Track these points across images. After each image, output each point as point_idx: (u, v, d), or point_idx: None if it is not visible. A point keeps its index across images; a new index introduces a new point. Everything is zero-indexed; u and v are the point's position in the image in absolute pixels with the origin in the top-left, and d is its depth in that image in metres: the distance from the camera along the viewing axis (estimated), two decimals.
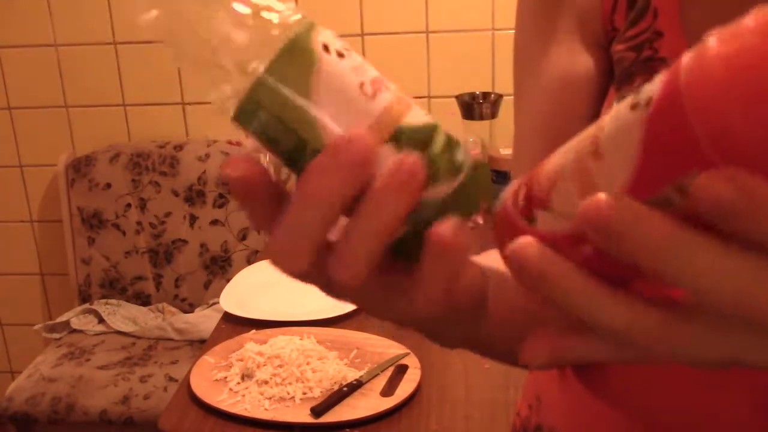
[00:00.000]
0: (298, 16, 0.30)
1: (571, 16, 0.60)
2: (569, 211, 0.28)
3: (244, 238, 2.14)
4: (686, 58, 0.25)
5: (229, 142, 2.17)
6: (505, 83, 2.07)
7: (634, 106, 0.26)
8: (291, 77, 0.29)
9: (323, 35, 0.30)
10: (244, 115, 0.30)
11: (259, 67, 0.30)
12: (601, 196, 0.25)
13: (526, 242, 0.28)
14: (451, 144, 0.32)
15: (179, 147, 2.16)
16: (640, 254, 0.25)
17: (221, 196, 2.13)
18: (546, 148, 0.58)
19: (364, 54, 2.14)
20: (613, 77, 0.59)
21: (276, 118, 0.30)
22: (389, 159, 0.30)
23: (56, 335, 2.09)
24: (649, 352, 0.28)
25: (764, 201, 0.23)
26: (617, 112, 0.27)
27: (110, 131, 2.23)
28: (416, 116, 0.31)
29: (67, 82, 2.21)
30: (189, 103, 2.21)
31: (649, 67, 0.54)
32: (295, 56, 0.30)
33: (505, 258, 0.29)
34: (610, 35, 0.59)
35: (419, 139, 0.31)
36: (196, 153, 2.14)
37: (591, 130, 0.28)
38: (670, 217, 0.25)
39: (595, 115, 0.59)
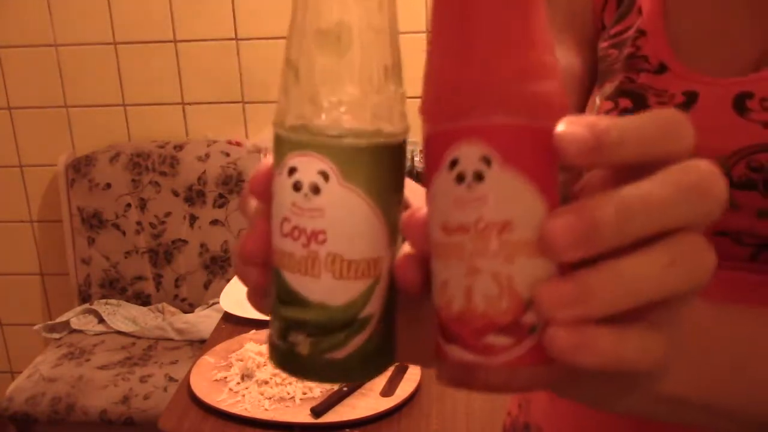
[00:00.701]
0: (360, 135, 0.31)
1: (563, 14, 0.60)
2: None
3: None
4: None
5: (229, 142, 2.18)
6: None
7: (459, 180, 0.29)
8: (275, 153, 0.32)
9: (300, 161, 0.31)
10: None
11: (277, 121, 0.32)
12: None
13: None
14: (297, 329, 0.33)
15: (179, 147, 2.16)
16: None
17: (221, 196, 2.13)
18: None
19: None
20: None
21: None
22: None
23: (56, 335, 2.09)
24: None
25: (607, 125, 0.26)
26: (448, 199, 0.29)
27: (110, 131, 2.23)
28: (298, 285, 0.32)
29: (67, 82, 2.21)
30: (189, 103, 2.21)
31: (630, 65, 0.55)
32: (277, 144, 0.32)
33: None
34: (600, 33, 0.60)
35: (276, 292, 0.33)
36: (196, 153, 2.14)
37: (472, 240, 0.28)
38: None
39: (579, 112, 0.60)
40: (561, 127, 0.27)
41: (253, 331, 1.38)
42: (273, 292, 0.33)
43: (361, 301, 0.32)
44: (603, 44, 0.58)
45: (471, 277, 0.28)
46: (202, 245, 2.15)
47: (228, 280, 1.65)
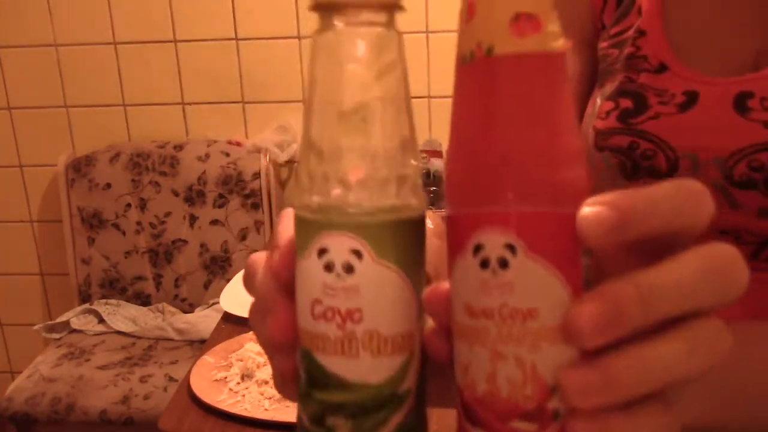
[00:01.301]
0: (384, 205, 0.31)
1: (561, 14, 0.60)
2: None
3: (244, 238, 2.14)
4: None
5: (229, 142, 2.18)
6: None
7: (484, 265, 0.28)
8: (298, 235, 0.32)
9: (332, 240, 0.31)
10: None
11: (300, 204, 0.32)
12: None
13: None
14: (336, 413, 0.32)
15: (179, 147, 2.16)
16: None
17: (221, 196, 2.13)
18: None
19: None
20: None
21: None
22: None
23: (56, 335, 2.09)
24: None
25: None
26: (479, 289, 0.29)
27: (110, 131, 2.23)
28: (334, 366, 0.31)
29: (67, 82, 2.21)
30: (189, 103, 2.21)
31: (630, 65, 0.55)
32: (301, 228, 0.32)
33: None
34: (599, 33, 0.60)
35: (307, 377, 0.33)
36: (196, 153, 2.14)
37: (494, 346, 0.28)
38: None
39: (580, 113, 0.60)
40: (584, 210, 0.26)
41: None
42: (302, 376, 0.33)
43: (398, 376, 0.32)
44: (603, 44, 0.58)
45: (495, 362, 0.28)
46: (202, 245, 2.15)
47: (228, 280, 1.65)
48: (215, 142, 2.17)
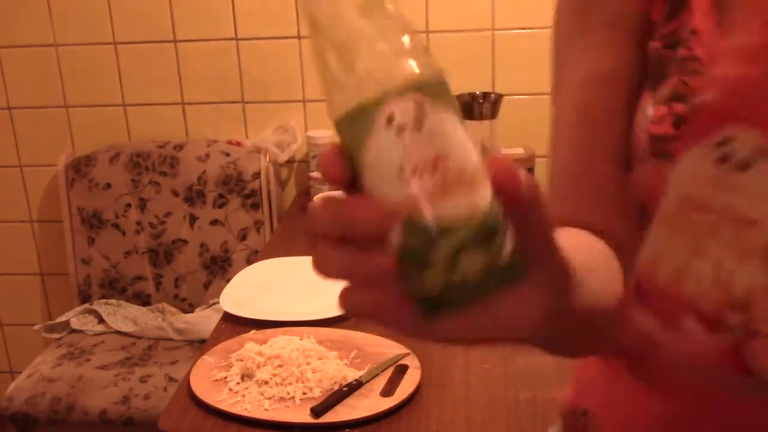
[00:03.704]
0: (430, 72, 0.36)
1: (608, 11, 0.59)
2: None
3: (244, 238, 2.14)
4: None
5: (229, 142, 2.18)
6: (505, 83, 2.08)
7: None
8: (354, 134, 0.35)
9: (397, 106, 0.34)
10: (336, 126, 0.36)
11: (347, 106, 0.35)
12: None
13: None
14: (465, 248, 0.34)
15: (179, 147, 2.16)
16: None
17: (221, 196, 2.13)
18: (582, 138, 0.58)
19: None
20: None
21: (348, 151, 0.36)
22: (390, 242, 0.34)
23: (56, 335, 2.09)
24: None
25: None
26: None
27: (110, 131, 2.23)
28: (445, 210, 0.34)
29: (67, 82, 2.21)
30: (189, 103, 2.21)
31: (683, 67, 0.54)
32: (359, 119, 0.35)
33: None
34: (648, 30, 0.58)
35: (421, 239, 0.34)
36: (196, 153, 2.14)
37: None
38: None
39: (630, 109, 0.59)
40: None
41: (253, 331, 1.38)
42: (412, 247, 0.34)
43: (494, 200, 0.35)
44: (654, 44, 0.57)
45: (693, 257, 0.28)
46: (202, 245, 2.15)
47: (228, 280, 1.65)
48: (215, 142, 2.17)
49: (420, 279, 0.35)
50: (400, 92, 0.34)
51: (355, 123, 0.35)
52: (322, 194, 0.38)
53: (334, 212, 0.35)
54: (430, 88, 0.35)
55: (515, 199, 0.35)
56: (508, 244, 0.35)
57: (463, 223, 0.34)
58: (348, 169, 0.35)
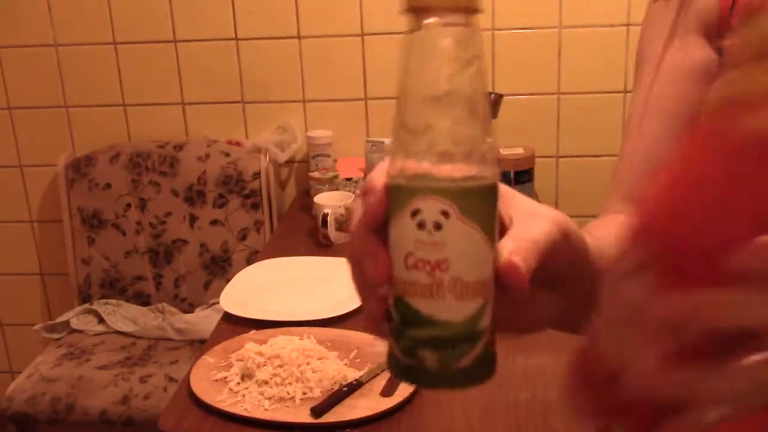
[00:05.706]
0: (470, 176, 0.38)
1: (694, 12, 0.64)
2: None
3: (244, 238, 2.14)
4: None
5: (229, 142, 2.18)
6: (505, 83, 2.07)
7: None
8: (391, 200, 0.39)
9: (425, 204, 0.37)
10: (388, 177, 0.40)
11: (394, 178, 0.39)
12: None
13: None
14: (424, 346, 0.39)
15: (179, 147, 2.16)
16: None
17: (221, 196, 2.13)
18: (665, 128, 0.65)
19: (363, 54, 2.15)
20: None
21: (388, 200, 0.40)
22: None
23: (56, 335, 2.09)
24: None
25: None
26: None
27: (110, 131, 2.23)
28: (423, 307, 0.38)
29: (67, 82, 2.21)
30: (189, 103, 2.21)
31: None
32: (396, 194, 0.39)
33: None
34: (723, 31, 0.61)
35: (400, 317, 0.39)
36: (196, 153, 2.14)
37: None
38: None
39: (686, 105, 0.64)
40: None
41: (253, 331, 1.38)
42: (395, 318, 0.39)
43: (477, 316, 0.38)
44: (728, 42, 0.60)
45: None
46: (202, 245, 2.15)
47: (228, 280, 1.65)
48: (215, 142, 2.17)
49: (393, 345, 0.40)
50: (434, 193, 0.37)
51: (393, 194, 0.39)
52: (355, 220, 0.42)
53: (354, 248, 0.40)
54: (464, 200, 0.37)
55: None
56: (474, 352, 0.38)
57: (432, 323, 0.38)
58: (383, 216, 0.39)
